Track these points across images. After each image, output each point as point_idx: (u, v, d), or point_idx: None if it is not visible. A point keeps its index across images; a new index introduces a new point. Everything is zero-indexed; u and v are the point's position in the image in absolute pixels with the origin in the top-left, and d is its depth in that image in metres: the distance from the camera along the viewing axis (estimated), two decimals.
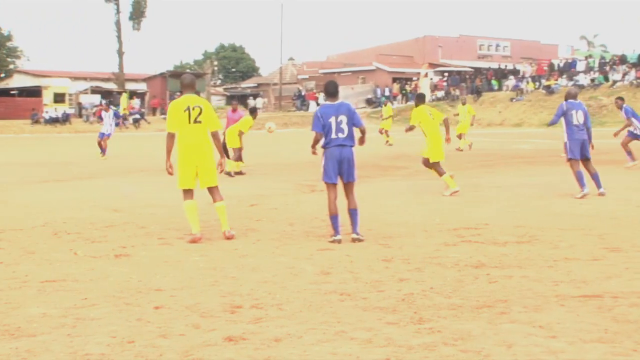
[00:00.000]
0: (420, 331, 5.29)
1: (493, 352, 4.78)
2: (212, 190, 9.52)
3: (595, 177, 13.10)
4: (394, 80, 67.27)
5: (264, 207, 12.44)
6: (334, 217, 9.21)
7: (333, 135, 9.16)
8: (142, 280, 7.08)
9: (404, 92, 65.03)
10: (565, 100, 13.43)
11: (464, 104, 29.24)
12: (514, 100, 54.99)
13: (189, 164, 9.31)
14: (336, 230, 9.16)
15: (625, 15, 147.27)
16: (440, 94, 61.76)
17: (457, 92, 59.86)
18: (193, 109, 9.26)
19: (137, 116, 55.05)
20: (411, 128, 13.85)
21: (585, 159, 13.15)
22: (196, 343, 5.07)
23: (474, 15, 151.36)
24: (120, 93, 61.94)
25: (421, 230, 9.88)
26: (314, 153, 9.63)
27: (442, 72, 64.88)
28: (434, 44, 72.21)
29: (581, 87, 51.96)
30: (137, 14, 66.35)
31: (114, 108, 32.81)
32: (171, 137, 9.34)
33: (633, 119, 18.39)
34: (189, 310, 5.96)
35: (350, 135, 9.25)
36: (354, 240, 9.11)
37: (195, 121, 9.26)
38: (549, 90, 53.85)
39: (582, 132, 13.16)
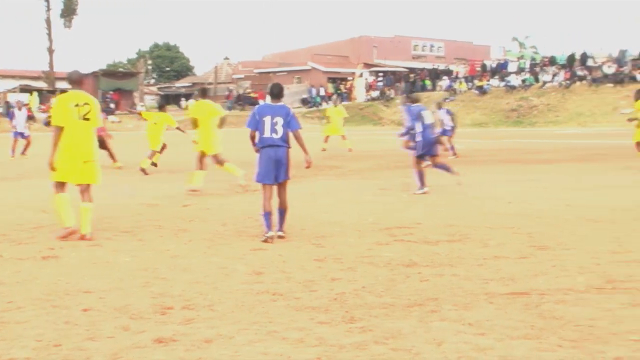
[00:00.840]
0: (351, 330, 5.31)
1: (423, 350, 4.82)
2: (86, 188, 9.42)
3: (442, 167, 14.40)
4: (329, 80, 67.53)
5: (197, 207, 12.33)
6: (266, 215, 9.27)
7: (266, 134, 9.30)
8: (70, 282, 6.94)
9: (338, 92, 65.34)
10: (410, 104, 14.59)
11: (335, 105, 29.60)
12: (447, 100, 55.68)
13: (74, 160, 9.21)
14: (268, 228, 9.20)
15: (558, 17, 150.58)
16: (375, 94, 62.24)
17: (392, 92, 60.43)
18: (82, 105, 9.21)
19: None
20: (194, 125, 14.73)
21: (435, 155, 14.33)
22: (125, 345, 5.00)
23: (408, 15, 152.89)
24: (51, 92, 60.76)
25: (354, 229, 9.92)
26: (256, 151, 9.58)
27: (377, 72, 65.36)
28: (369, 44, 72.75)
29: (512, 87, 53.02)
30: (68, 12, 65.12)
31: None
32: (59, 131, 9.17)
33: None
34: (118, 312, 5.87)
35: (284, 137, 9.37)
36: (279, 237, 9.26)
37: (84, 118, 9.21)
38: (481, 90, 54.73)
39: (433, 130, 14.36)
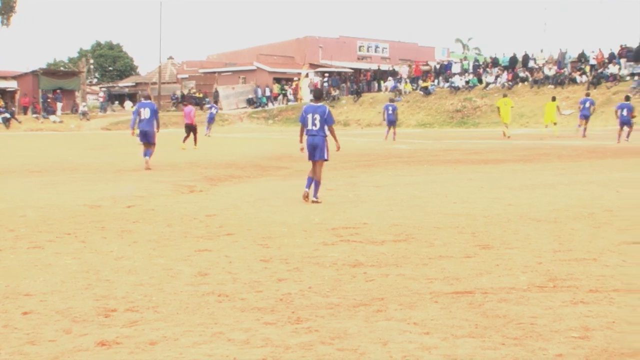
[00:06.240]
0: (297, 331, 5.30)
1: (369, 350, 4.83)
2: None
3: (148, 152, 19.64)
4: (275, 80, 67.46)
5: (142, 208, 12.19)
6: (309, 178, 12.82)
7: (309, 127, 12.69)
8: (9, 285, 6.80)
9: (284, 92, 65.33)
10: (139, 102, 20.34)
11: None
12: (396, 100, 56.08)
13: None
14: (307, 187, 12.71)
15: (499, 19, 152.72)
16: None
17: (338, 93, 60.63)
18: None
19: (7, 115, 52.97)
20: None
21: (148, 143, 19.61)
22: (67, 349, 4.91)
23: (354, 16, 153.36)
24: None
25: (300, 230, 9.92)
26: (301, 150, 13.07)
27: (323, 72, 65.46)
28: (315, 44, 72.77)
29: (456, 88, 53.61)
30: (7, 9, 63.63)
31: None
32: None
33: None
34: (60, 315, 5.77)
35: (322, 128, 12.65)
36: (313, 202, 12.51)
37: None
38: (426, 91, 55.21)
39: (143, 124, 19.53)
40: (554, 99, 35.72)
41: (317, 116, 12.64)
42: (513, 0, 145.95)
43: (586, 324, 5.34)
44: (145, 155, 19.66)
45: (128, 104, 67.52)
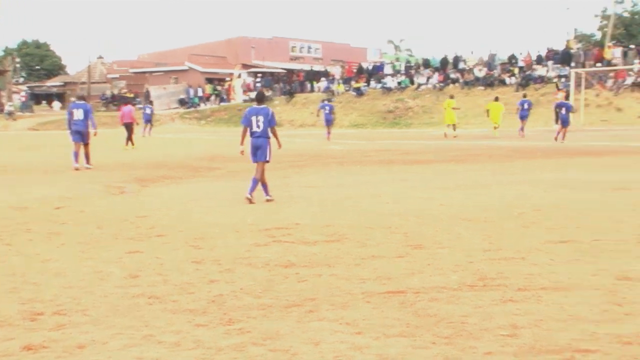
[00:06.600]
0: (229, 332, 5.26)
1: (300, 351, 4.82)
2: None
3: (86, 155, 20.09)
4: (207, 80, 67.08)
5: (71, 209, 11.96)
6: (253, 179, 12.91)
7: (253, 129, 12.79)
8: None
9: (216, 92, 64.99)
10: (73, 102, 20.74)
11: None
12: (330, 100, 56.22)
13: None
14: (251, 190, 12.77)
15: (432, 21, 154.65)
16: (254, 94, 62.22)
17: (270, 93, 60.56)
18: None
19: None
20: None
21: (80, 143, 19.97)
22: None
23: (286, 17, 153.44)
24: None
25: (233, 230, 9.85)
26: (241, 153, 13.03)
27: (255, 73, 65.32)
28: (247, 44, 72.65)
29: (389, 89, 54.08)
30: None
31: None
32: None
33: None
34: None
35: (265, 130, 12.79)
36: (246, 198, 12.61)
37: None
38: (358, 92, 55.56)
39: (78, 125, 19.86)
40: (497, 99, 37.22)
41: (261, 118, 12.76)
42: (444, 2, 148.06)
43: (515, 322, 5.42)
44: (77, 160, 19.58)
45: (56, 104, 66.28)
